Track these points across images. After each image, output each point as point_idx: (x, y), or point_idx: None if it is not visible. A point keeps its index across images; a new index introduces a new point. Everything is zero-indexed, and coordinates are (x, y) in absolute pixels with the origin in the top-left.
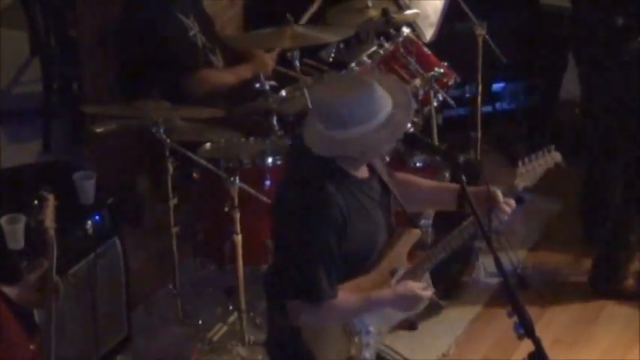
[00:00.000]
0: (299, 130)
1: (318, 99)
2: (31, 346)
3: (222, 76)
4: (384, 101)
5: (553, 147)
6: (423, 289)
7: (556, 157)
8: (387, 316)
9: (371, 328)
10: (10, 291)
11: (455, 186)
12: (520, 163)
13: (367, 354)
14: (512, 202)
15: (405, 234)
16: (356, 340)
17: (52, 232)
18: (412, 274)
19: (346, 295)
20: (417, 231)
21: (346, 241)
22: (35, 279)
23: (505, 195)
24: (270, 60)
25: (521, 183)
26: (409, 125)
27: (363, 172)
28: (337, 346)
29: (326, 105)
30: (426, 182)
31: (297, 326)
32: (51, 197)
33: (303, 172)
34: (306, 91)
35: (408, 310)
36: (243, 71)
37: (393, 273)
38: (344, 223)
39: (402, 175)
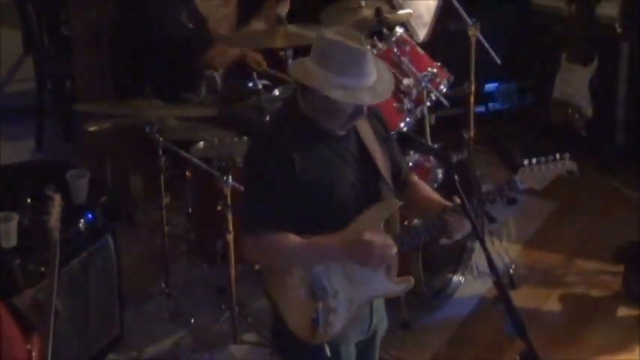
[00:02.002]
0: None
1: (321, 35)
2: (28, 346)
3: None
4: (364, 74)
5: (568, 155)
6: (377, 237)
7: (570, 165)
8: (360, 284)
9: (340, 294)
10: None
11: (442, 203)
12: (526, 162)
13: (337, 321)
14: (463, 220)
15: (383, 202)
16: (321, 302)
17: (56, 233)
18: None
19: (289, 236)
20: (396, 201)
21: (297, 184)
22: (32, 295)
23: (505, 190)
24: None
25: (522, 182)
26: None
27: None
28: (302, 306)
29: (321, 40)
30: (425, 192)
31: (269, 286)
32: (57, 197)
33: (273, 115)
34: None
35: (364, 262)
36: None
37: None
38: (291, 165)
39: (414, 178)
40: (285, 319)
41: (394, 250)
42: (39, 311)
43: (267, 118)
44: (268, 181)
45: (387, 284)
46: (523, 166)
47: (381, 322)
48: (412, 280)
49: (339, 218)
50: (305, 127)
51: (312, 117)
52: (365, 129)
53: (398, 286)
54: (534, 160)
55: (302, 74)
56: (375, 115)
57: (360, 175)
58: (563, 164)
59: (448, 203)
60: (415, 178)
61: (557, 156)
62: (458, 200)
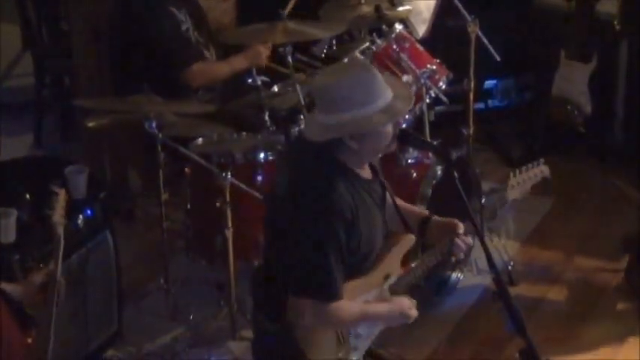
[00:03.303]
0: (293, 129)
1: (316, 84)
2: (29, 340)
3: (217, 68)
4: (382, 90)
5: (542, 160)
6: (410, 308)
7: (544, 170)
8: (376, 323)
9: (360, 332)
10: (14, 289)
11: (421, 213)
12: (511, 175)
13: (354, 357)
14: (469, 240)
15: (401, 239)
16: (345, 345)
17: (60, 229)
18: (399, 285)
19: (349, 302)
20: (412, 237)
21: (353, 240)
22: (40, 279)
23: (497, 208)
24: (264, 50)
25: (511, 195)
26: (405, 117)
27: (366, 173)
28: (328, 348)
29: (323, 89)
30: (399, 202)
31: (290, 326)
32: (62, 192)
33: (310, 171)
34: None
35: (396, 325)
36: (238, 61)
37: (386, 278)
38: (352, 222)
39: None
40: (307, 356)
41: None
42: (45, 295)
43: (309, 174)
44: (337, 244)
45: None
46: (510, 179)
47: None
48: (417, 307)
49: (368, 260)
50: (349, 178)
51: (352, 163)
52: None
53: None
54: (517, 172)
55: (334, 130)
56: None
57: (383, 214)
58: (541, 171)
59: (421, 211)
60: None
61: (535, 163)
62: (460, 225)
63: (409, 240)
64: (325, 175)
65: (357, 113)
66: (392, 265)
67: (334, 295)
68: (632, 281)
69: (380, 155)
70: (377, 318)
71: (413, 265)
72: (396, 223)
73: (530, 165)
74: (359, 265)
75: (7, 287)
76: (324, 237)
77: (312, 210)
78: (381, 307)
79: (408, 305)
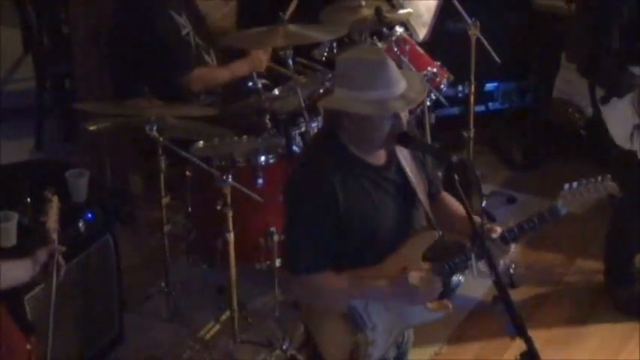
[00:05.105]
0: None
1: (339, 57)
2: (28, 346)
3: (217, 74)
4: (393, 85)
5: (609, 176)
6: (422, 278)
7: (610, 187)
8: (398, 316)
9: (379, 326)
10: (22, 264)
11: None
12: (566, 186)
13: (375, 352)
14: (506, 247)
15: (421, 233)
16: (359, 335)
17: (54, 235)
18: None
19: (334, 277)
20: (435, 233)
21: (339, 220)
22: (45, 257)
23: (546, 217)
24: (264, 55)
25: (563, 207)
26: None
27: (378, 159)
28: (340, 339)
29: (341, 63)
30: (454, 207)
31: (307, 318)
32: (55, 199)
33: (310, 148)
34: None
35: (408, 303)
36: (238, 67)
37: (403, 271)
38: (335, 201)
39: (444, 193)
40: (322, 351)
41: (438, 285)
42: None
43: (305, 154)
44: (311, 219)
45: (425, 313)
46: (564, 190)
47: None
48: (450, 305)
49: (378, 249)
50: (346, 161)
51: (355, 147)
52: (405, 155)
53: (436, 314)
54: (575, 184)
55: (330, 102)
56: None
57: (400, 205)
58: (605, 187)
59: (477, 219)
60: (445, 193)
61: (599, 178)
62: (497, 229)
63: (430, 235)
64: (318, 155)
65: (351, 94)
66: (409, 258)
67: (298, 268)
68: (610, 284)
69: (379, 148)
70: (374, 291)
71: (439, 263)
72: (453, 225)
73: (592, 179)
74: (365, 252)
75: (17, 263)
76: (295, 213)
77: (290, 187)
78: (378, 279)
79: (414, 276)
